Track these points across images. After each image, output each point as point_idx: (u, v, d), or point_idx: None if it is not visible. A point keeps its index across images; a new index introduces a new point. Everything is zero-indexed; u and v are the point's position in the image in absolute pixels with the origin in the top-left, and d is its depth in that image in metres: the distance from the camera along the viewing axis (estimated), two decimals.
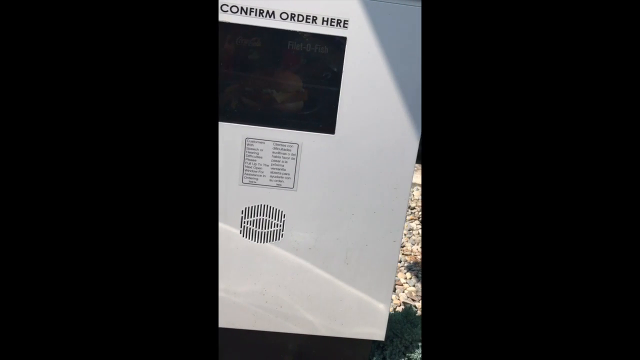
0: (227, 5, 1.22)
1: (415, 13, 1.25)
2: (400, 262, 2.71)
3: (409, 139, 1.34)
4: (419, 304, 2.30)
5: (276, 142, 1.34)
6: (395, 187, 1.39)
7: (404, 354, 1.59)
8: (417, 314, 1.81)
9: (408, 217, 3.38)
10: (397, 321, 1.70)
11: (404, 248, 2.89)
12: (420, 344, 1.60)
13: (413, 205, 3.63)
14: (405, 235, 3.10)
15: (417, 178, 4.33)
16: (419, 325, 1.66)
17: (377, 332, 1.53)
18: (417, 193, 3.92)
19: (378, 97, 1.31)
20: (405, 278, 2.54)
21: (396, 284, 2.47)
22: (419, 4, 1.24)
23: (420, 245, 2.95)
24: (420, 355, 1.56)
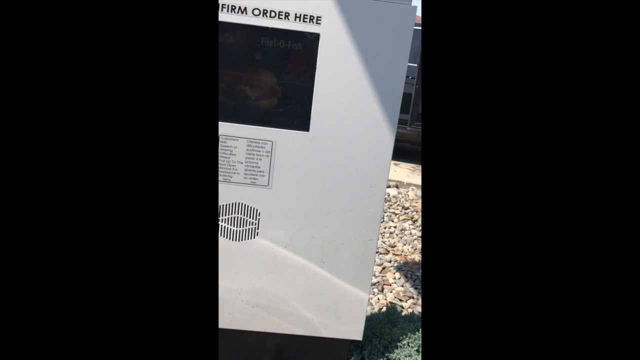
0: None
1: (389, 10, 1.24)
2: (390, 262, 2.70)
3: (384, 137, 1.33)
4: (406, 304, 2.28)
5: (250, 139, 1.33)
6: (371, 185, 1.38)
7: (383, 354, 1.58)
8: (401, 314, 1.79)
9: (401, 217, 3.37)
10: (378, 321, 1.69)
11: (395, 248, 2.87)
12: (399, 343, 1.58)
13: (407, 205, 3.61)
14: (397, 235, 3.09)
15: (414, 179, 4.31)
16: (400, 325, 1.65)
17: (355, 331, 1.51)
18: (412, 193, 3.90)
19: (353, 95, 1.30)
20: (394, 278, 2.52)
21: (385, 284, 2.45)
22: (393, 1, 1.23)
23: (411, 245, 2.94)
24: (399, 355, 1.55)
